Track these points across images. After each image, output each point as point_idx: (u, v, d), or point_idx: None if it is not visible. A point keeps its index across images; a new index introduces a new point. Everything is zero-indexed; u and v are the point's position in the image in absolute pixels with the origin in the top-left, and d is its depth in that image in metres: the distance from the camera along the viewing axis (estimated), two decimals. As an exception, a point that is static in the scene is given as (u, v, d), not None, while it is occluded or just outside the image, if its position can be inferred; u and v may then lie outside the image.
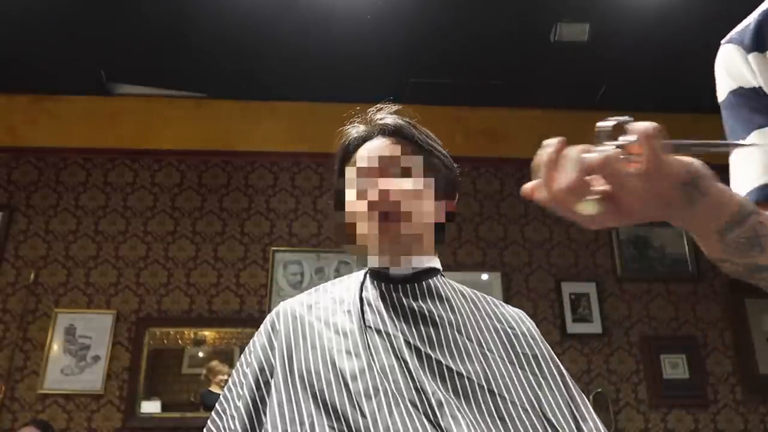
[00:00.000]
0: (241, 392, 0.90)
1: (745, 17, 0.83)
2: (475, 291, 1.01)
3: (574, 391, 0.89)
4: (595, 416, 0.87)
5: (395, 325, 0.87)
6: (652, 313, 3.38)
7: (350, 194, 0.94)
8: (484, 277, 3.38)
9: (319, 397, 0.82)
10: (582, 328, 3.31)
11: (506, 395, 0.83)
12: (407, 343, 0.85)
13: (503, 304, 1.01)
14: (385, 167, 0.92)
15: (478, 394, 0.82)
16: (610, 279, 3.44)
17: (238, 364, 0.95)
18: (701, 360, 3.30)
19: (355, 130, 1.00)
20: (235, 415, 0.88)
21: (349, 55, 3.18)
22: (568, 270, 3.44)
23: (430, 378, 0.82)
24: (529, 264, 3.44)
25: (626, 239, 3.51)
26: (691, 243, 3.52)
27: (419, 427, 0.77)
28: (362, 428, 0.78)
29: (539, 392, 0.85)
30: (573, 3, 2.86)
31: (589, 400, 3.35)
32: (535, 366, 0.88)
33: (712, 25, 3.16)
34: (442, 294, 0.93)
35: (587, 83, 3.48)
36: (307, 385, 0.84)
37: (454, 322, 0.90)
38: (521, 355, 0.89)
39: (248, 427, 0.86)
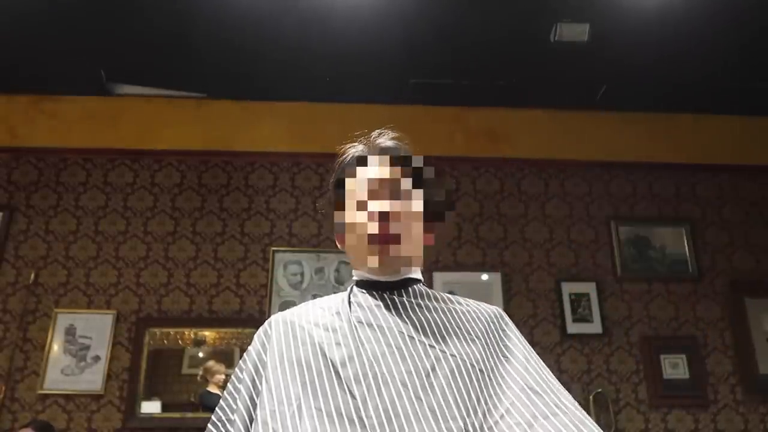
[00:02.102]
0: (237, 395, 0.93)
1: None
2: (453, 294, 1.06)
3: (550, 374, 0.93)
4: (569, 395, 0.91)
5: (387, 318, 0.91)
6: (652, 313, 3.38)
7: (349, 207, 0.96)
8: (484, 277, 3.38)
9: (309, 385, 0.85)
10: (582, 328, 3.30)
11: (493, 377, 0.87)
12: (400, 333, 0.89)
13: (481, 303, 1.05)
14: (385, 188, 0.94)
15: (471, 373, 0.86)
16: (610, 279, 3.43)
17: (233, 375, 0.98)
18: (701, 360, 3.30)
19: (355, 149, 1.03)
20: (234, 418, 0.91)
21: (349, 56, 3.18)
22: (568, 270, 3.44)
23: (423, 360, 0.85)
24: (529, 264, 3.44)
25: (626, 239, 3.51)
26: (691, 243, 3.52)
27: (407, 404, 0.80)
28: (352, 408, 0.81)
29: (522, 372, 0.89)
30: (573, 3, 2.86)
31: (589, 400, 3.33)
32: (514, 353, 0.93)
33: (712, 25, 3.18)
34: (426, 296, 0.99)
35: (587, 83, 3.47)
36: (297, 374, 0.87)
37: (441, 313, 0.95)
38: (500, 343, 0.94)
39: (249, 427, 0.88)
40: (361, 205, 0.94)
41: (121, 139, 3.50)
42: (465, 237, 3.46)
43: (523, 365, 0.90)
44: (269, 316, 1.02)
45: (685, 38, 3.01)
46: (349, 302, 0.97)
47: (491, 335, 0.95)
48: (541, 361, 0.94)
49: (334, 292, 1.14)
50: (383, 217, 0.91)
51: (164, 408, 3.04)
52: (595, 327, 3.30)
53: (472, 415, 0.80)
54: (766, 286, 3.47)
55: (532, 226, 3.53)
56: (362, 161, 0.98)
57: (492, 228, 3.51)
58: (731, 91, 3.46)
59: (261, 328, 0.99)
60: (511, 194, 3.59)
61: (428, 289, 1.01)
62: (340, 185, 0.99)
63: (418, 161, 0.97)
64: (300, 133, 3.56)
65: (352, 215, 0.94)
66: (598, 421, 3.05)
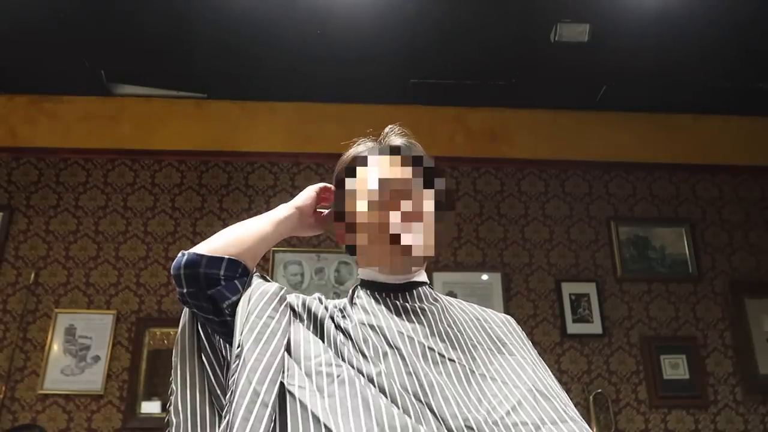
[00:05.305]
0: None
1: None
2: (460, 300, 1.06)
3: (558, 385, 0.93)
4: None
5: (389, 320, 0.91)
6: (652, 314, 3.38)
7: (360, 206, 0.94)
8: (484, 277, 3.38)
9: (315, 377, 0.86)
10: (582, 328, 3.30)
11: (497, 377, 0.87)
12: (400, 333, 0.89)
13: (488, 309, 1.05)
14: (399, 188, 0.93)
15: (470, 377, 0.86)
16: (610, 279, 3.43)
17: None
18: (701, 360, 3.30)
19: (365, 146, 1.02)
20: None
21: (350, 56, 3.18)
22: (568, 270, 3.44)
23: (422, 362, 0.85)
24: (529, 264, 3.44)
25: (626, 239, 3.51)
26: (691, 243, 3.52)
27: (409, 407, 0.79)
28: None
29: (531, 374, 0.88)
30: (573, 3, 2.86)
31: (589, 401, 3.34)
32: (523, 356, 0.93)
33: (712, 24, 3.18)
34: (432, 299, 0.98)
35: (587, 83, 3.47)
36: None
37: (444, 318, 0.94)
38: (509, 345, 0.94)
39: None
40: (374, 205, 0.92)
41: (121, 139, 3.50)
42: (465, 237, 3.46)
43: (532, 368, 0.90)
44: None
45: (685, 38, 3.01)
46: (352, 304, 0.97)
47: (498, 339, 0.94)
48: (550, 372, 0.93)
49: (334, 292, 1.14)
50: (399, 217, 0.90)
51: (164, 408, 3.04)
52: (595, 327, 3.30)
53: (473, 412, 0.80)
54: (766, 286, 3.47)
55: (532, 226, 3.53)
56: (372, 160, 0.96)
57: (492, 228, 3.51)
58: (731, 91, 3.45)
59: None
60: (511, 194, 3.59)
61: (433, 292, 1.01)
62: (348, 183, 0.97)
63: (429, 161, 0.97)
64: (300, 133, 3.56)
65: (363, 214, 0.93)
66: (598, 421, 3.06)
